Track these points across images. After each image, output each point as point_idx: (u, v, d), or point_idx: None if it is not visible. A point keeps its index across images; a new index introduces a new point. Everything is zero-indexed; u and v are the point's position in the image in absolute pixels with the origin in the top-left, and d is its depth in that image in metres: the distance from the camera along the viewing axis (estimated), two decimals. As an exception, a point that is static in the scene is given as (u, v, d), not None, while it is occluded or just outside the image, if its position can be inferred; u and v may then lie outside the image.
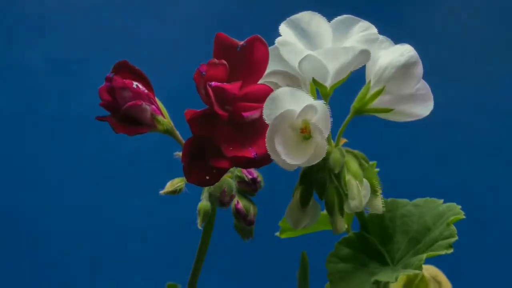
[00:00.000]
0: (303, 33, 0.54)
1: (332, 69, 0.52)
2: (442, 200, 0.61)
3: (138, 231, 1.33)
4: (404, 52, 0.54)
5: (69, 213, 1.33)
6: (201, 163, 0.53)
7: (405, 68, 0.54)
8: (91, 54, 1.35)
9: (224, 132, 0.53)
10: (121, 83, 0.55)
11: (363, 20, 0.54)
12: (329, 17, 0.55)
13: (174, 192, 0.59)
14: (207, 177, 0.53)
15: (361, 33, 0.54)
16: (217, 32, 0.54)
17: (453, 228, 0.57)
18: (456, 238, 0.56)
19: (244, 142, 0.52)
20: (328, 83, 0.53)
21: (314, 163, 0.51)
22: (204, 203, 0.60)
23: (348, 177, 0.54)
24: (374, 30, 0.54)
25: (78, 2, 1.37)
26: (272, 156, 0.50)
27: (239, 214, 0.60)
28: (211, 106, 0.52)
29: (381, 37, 0.55)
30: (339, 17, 0.55)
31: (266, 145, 0.50)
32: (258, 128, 0.52)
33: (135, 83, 0.56)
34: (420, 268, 0.55)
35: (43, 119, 1.35)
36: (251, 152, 0.51)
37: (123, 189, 1.33)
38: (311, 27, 0.54)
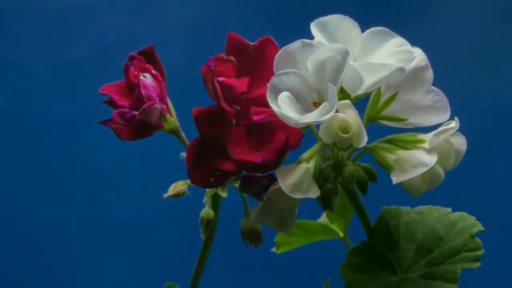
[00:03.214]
0: (330, 36, 0.53)
1: (367, 82, 0.51)
2: (449, 209, 0.60)
3: (139, 231, 1.33)
4: (414, 55, 0.53)
5: (69, 213, 1.32)
6: (206, 165, 0.52)
7: (414, 72, 0.53)
8: (91, 54, 1.35)
9: (233, 132, 0.52)
10: (143, 66, 0.56)
11: (398, 36, 0.53)
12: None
13: (177, 195, 0.58)
14: (212, 179, 0.52)
15: (395, 48, 0.53)
16: (229, 32, 0.54)
17: (478, 240, 0.57)
18: (483, 251, 0.56)
19: (251, 146, 0.52)
20: (356, 94, 0.52)
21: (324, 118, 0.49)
22: (206, 210, 0.59)
23: (393, 155, 0.52)
24: (408, 46, 0.53)
25: (78, 2, 1.37)
26: (274, 108, 0.50)
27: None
28: (217, 102, 0.52)
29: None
30: (374, 28, 0.54)
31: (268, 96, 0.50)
32: (267, 132, 0.52)
33: (154, 71, 0.56)
34: (454, 281, 0.55)
35: (43, 119, 1.35)
36: (257, 157, 0.51)
37: (124, 189, 1.32)
38: (339, 31, 0.53)
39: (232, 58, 0.53)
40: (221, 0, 1.39)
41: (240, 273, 1.30)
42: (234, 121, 0.53)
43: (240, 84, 0.52)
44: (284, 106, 0.49)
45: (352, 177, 0.53)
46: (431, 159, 0.50)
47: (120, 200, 1.32)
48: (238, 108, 0.52)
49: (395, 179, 0.51)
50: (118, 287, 1.32)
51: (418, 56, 0.53)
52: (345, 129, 0.50)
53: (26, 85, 1.36)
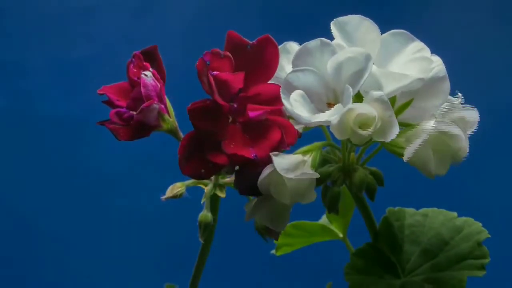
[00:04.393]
0: (348, 36, 0.52)
1: (385, 89, 0.50)
2: (455, 213, 0.60)
3: (138, 231, 1.32)
4: (433, 64, 0.52)
5: (69, 213, 1.32)
6: (198, 157, 0.52)
7: (432, 82, 0.52)
8: (91, 54, 1.35)
9: (229, 129, 0.52)
10: (141, 64, 0.56)
11: (417, 40, 0.53)
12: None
13: (174, 197, 0.58)
14: (202, 171, 0.52)
15: (415, 54, 0.52)
16: (229, 30, 0.54)
17: (485, 249, 0.56)
18: (489, 259, 0.56)
19: (246, 141, 0.52)
20: None
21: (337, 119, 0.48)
22: (204, 214, 0.59)
23: (403, 138, 0.51)
24: (428, 53, 0.52)
25: (78, 2, 1.37)
26: (286, 105, 0.49)
27: None
28: (212, 95, 0.52)
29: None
30: (394, 30, 0.53)
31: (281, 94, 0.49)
32: (263, 129, 0.52)
33: (151, 69, 0.56)
34: None
35: (43, 119, 1.35)
36: (251, 153, 0.51)
37: (124, 189, 1.32)
38: (358, 32, 0.52)
39: (228, 54, 0.53)
40: (221, 0, 1.39)
41: (240, 275, 1.30)
42: (230, 119, 0.53)
43: (235, 79, 0.52)
44: (296, 105, 0.49)
45: (362, 183, 0.52)
46: (430, 123, 0.49)
47: (120, 200, 1.32)
48: (235, 105, 0.52)
49: (405, 156, 0.50)
50: (118, 287, 1.32)
51: (437, 66, 0.52)
52: (364, 124, 0.49)
53: (27, 85, 1.36)
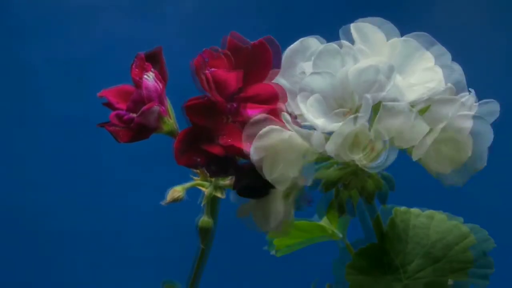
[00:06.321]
0: (367, 39, 0.52)
1: (407, 99, 0.50)
2: (461, 218, 0.59)
3: (138, 231, 1.33)
4: (455, 74, 0.52)
5: (69, 213, 1.32)
6: (194, 150, 0.52)
7: (450, 90, 0.52)
8: (91, 54, 1.35)
9: (227, 128, 0.53)
10: (143, 64, 0.56)
11: (438, 43, 0.53)
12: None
13: (175, 201, 0.59)
14: (198, 159, 0.52)
15: (436, 60, 0.52)
16: (231, 31, 0.54)
17: (491, 259, 0.56)
18: (493, 270, 0.55)
19: (242, 138, 0.52)
20: None
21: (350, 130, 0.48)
22: (205, 219, 0.59)
23: None
24: (448, 59, 0.52)
25: (78, 2, 1.37)
26: (302, 108, 0.49)
27: None
28: (209, 92, 0.52)
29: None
30: (415, 33, 0.53)
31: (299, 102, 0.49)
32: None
33: (152, 69, 0.56)
34: None
35: (43, 119, 1.35)
36: (247, 146, 0.51)
37: (123, 189, 1.32)
38: (378, 35, 0.52)
39: (227, 52, 0.53)
40: (220, 0, 1.39)
41: (240, 275, 1.30)
42: (229, 119, 0.53)
43: (234, 77, 0.52)
44: (311, 110, 0.49)
45: (375, 191, 0.52)
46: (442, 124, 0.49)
47: (120, 199, 1.32)
48: (235, 105, 0.53)
49: (414, 155, 0.50)
50: (118, 287, 1.32)
51: (460, 75, 0.53)
52: (360, 144, 0.49)
53: (27, 85, 1.36)
